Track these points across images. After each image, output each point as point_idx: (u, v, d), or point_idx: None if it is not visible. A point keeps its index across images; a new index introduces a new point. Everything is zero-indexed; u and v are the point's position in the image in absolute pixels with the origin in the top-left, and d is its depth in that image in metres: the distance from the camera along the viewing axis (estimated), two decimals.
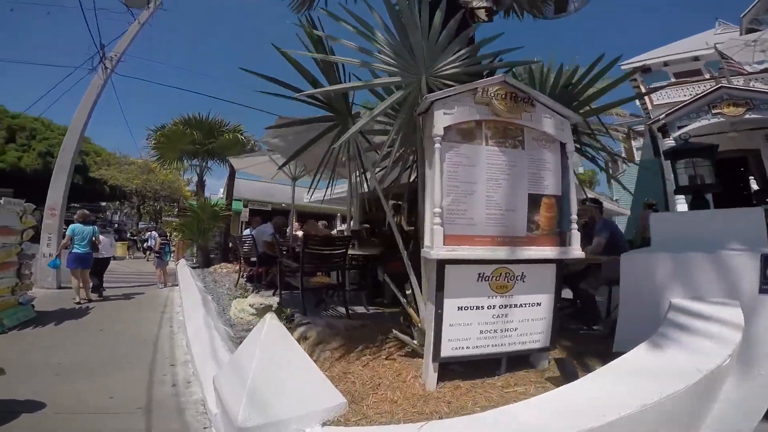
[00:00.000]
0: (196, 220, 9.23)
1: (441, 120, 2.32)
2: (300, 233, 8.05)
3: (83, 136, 8.77)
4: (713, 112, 8.46)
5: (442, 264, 2.28)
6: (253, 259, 6.11)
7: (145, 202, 27.82)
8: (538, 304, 2.54)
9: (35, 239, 6.54)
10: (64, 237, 7.06)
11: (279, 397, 1.79)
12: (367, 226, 8.84)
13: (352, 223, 8.84)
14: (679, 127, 8.66)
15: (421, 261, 2.55)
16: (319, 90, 2.98)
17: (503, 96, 2.45)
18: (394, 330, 2.97)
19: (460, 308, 2.35)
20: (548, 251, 2.47)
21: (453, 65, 2.74)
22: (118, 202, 37.85)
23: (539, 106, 2.56)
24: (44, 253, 7.99)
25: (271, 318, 2.20)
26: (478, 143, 2.42)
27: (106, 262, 7.56)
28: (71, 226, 6.57)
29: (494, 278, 2.40)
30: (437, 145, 2.29)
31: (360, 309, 4.76)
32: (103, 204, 40.65)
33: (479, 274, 2.38)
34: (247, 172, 7.89)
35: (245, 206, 17.57)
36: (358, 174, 3.83)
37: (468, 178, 2.36)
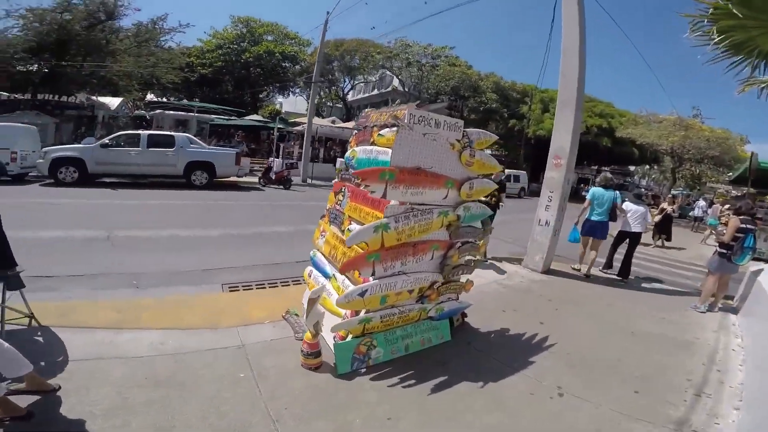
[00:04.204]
0: None
1: None
2: None
3: (583, 56, 5.51)
4: None
5: None
6: None
7: (681, 164, 21.97)
8: None
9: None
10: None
11: None
12: None
13: None
14: None
15: None
16: None
17: None
18: None
19: None
20: None
21: None
22: (647, 166, 33.95)
23: None
24: (540, 219, 5.90)
25: None
26: None
27: (636, 237, 6.06)
28: (591, 190, 5.93)
29: None
30: None
31: None
32: (632, 168, 38.25)
33: None
34: None
35: None
36: None
37: None
